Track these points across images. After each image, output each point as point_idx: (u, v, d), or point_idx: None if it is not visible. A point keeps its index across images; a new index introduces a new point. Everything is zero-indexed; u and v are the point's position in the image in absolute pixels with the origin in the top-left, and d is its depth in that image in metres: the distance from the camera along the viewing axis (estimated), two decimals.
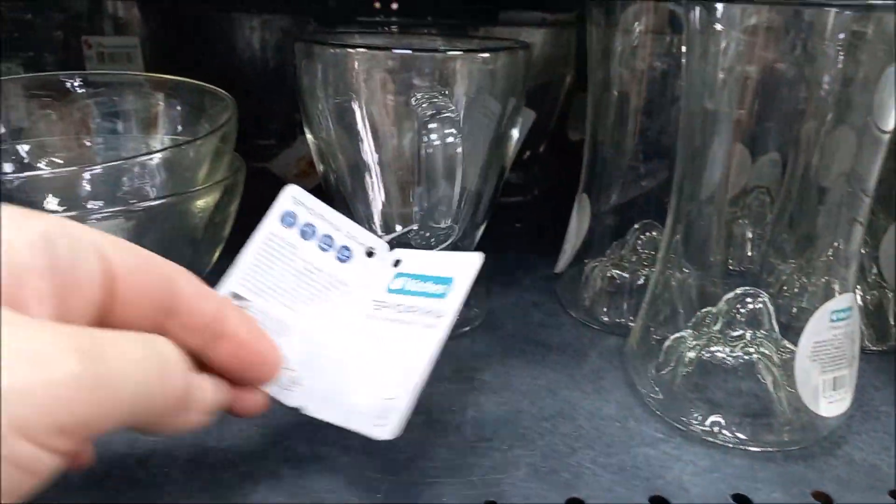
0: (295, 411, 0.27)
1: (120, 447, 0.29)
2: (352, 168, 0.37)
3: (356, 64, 0.34)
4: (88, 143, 0.40)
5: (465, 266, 0.28)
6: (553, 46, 0.62)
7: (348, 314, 0.29)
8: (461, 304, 0.28)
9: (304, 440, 0.31)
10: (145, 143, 0.40)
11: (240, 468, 0.29)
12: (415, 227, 0.33)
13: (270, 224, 0.28)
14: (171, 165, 0.34)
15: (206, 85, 0.39)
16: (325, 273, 0.29)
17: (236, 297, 0.27)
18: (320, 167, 0.39)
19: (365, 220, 0.31)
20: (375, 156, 0.36)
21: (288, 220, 0.28)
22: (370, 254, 0.30)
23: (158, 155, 0.35)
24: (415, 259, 0.30)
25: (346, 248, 0.30)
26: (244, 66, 0.66)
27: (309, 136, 0.38)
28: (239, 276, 0.27)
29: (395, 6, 0.65)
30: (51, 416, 0.14)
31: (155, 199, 0.33)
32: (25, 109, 0.39)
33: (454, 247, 0.39)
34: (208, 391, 0.22)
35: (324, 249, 0.29)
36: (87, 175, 0.32)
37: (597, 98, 0.41)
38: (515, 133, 0.39)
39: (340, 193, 0.38)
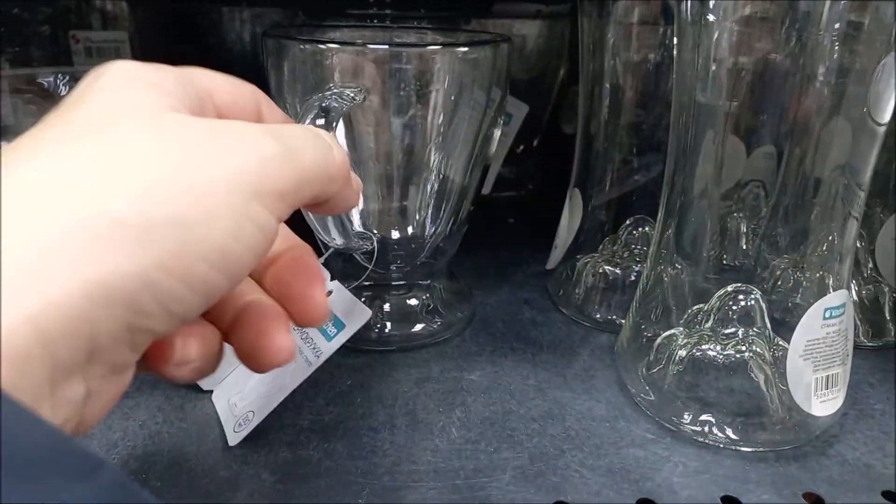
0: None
1: (99, 452, 0.29)
2: None
3: (328, 60, 0.32)
4: None
5: (358, 317, 0.32)
6: (547, 39, 0.61)
7: None
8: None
9: (286, 445, 0.30)
10: None
11: (220, 473, 0.28)
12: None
13: None
14: None
15: None
16: None
17: None
18: None
19: (341, 221, 0.31)
20: (351, 155, 0.35)
21: None
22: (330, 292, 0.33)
23: None
24: (336, 293, 0.33)
25: None
26: (234, 59, 0.65)
27: None
28: None
29: None
30: (272, 184, 0.18)
31: None
32: (11, 106, 0.38)
33: (437, 248, 0.38)
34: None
35: None
36: None
37: (588, 91, 0.40)
38: (500, 127, 0.38)
39: None
